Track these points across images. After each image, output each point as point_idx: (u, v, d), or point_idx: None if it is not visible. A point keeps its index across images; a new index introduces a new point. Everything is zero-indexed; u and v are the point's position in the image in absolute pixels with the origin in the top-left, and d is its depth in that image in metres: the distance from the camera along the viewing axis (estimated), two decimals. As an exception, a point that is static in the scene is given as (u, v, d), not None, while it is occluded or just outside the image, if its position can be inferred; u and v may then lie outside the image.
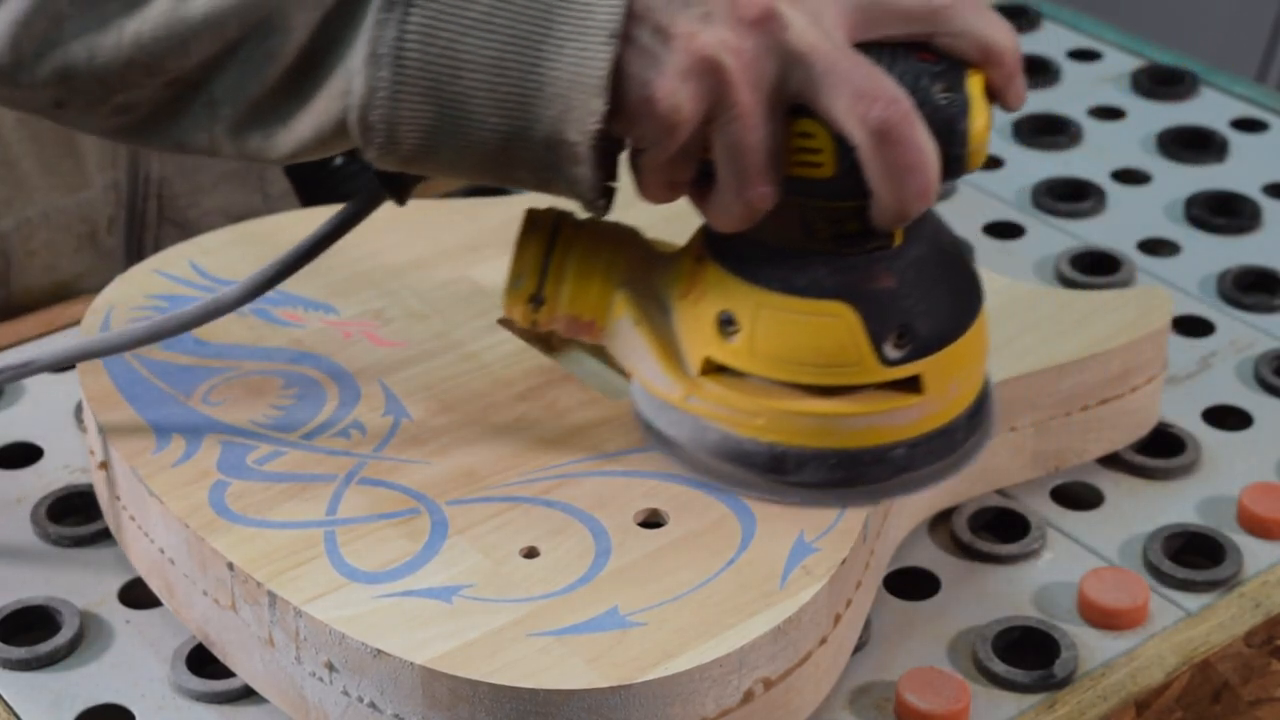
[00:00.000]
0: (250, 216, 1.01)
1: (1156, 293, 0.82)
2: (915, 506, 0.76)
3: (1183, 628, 0.73)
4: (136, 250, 1.02)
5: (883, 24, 0.65)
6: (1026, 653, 0.72)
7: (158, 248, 1.01)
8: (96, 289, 0.82)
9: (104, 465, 0.75)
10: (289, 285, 0.81)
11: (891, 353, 0.67)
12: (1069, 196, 1.02)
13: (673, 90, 0.63)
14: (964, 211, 1.00)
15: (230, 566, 0.67)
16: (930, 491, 0.77)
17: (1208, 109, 1.11)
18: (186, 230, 1.02)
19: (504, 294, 0.72)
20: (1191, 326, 0.91)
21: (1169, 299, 0.82)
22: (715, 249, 0.69)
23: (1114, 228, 0.99)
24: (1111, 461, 0.82)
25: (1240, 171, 1.05)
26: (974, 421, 0.71)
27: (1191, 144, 1.07)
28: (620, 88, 0.63)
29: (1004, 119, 1.09)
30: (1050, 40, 1.19)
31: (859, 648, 0.71)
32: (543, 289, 0.71)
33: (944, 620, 0.74)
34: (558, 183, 0.65)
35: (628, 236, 0.73)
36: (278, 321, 0.80)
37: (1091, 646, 0.72)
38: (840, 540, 0.68)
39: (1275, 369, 0.88)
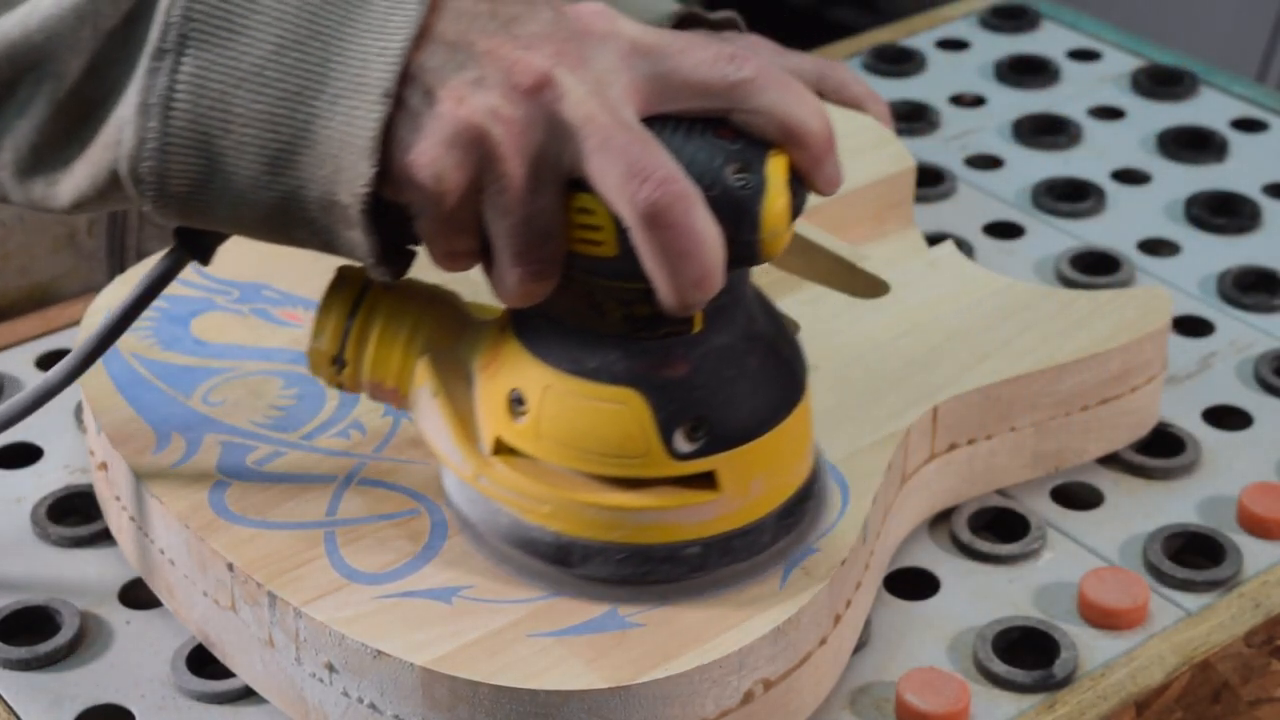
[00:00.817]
0: None
1: (1156, 293, 0.82)
2: (915, 507, 0.76)
3: (1183, 628, 0.73)
4: (119, 252, 1.02)
5: (677, 97, 0.61)
6: (1026, 653, 0.72)
7: (141, 250, 1.01)
8: (76, 291, 0.82)
9: (104, 465, 0.75)
10: (289, 285, 0.81)
11: (682, 446, 0.63)
12: (1069, 196, 1.02)
13: (435, 158, 0.60)
14: (964, 211, 1.00)
15: (230, 567, 0.67)
16: (929, 493, 0.77)
17: (1208, 109, 1.11)
18: (169, 233, 1.01)
19: (307, 353, 0.68)
20: (1191, 326, 0.91)
21: (1169, 299, 0.82)
22: (516, 322, 0.65)
23: (1114, 228, 0.99)
24: (1111, 461, 0.82)
25: (1240, 171, 1.05)
26: (786, 523, 0.67)
27: (1191, 144, 1.07)
28: (387, 151, 0.60)
29: (1004, 119, 1.09)
30: (1050, 40, 1.19)
31: (859, 648, 0.71)
32: (344, 351, 0.67)
33: (944, 620, 0.74)
34: (337, 245, 0.62)
35: (440, 300, 0.68)
36: (278, 321, 0.80)
37: (1091, 646, 0.72)
38: (840, 541, 0.68)
39: (1275, 369, 0.88)
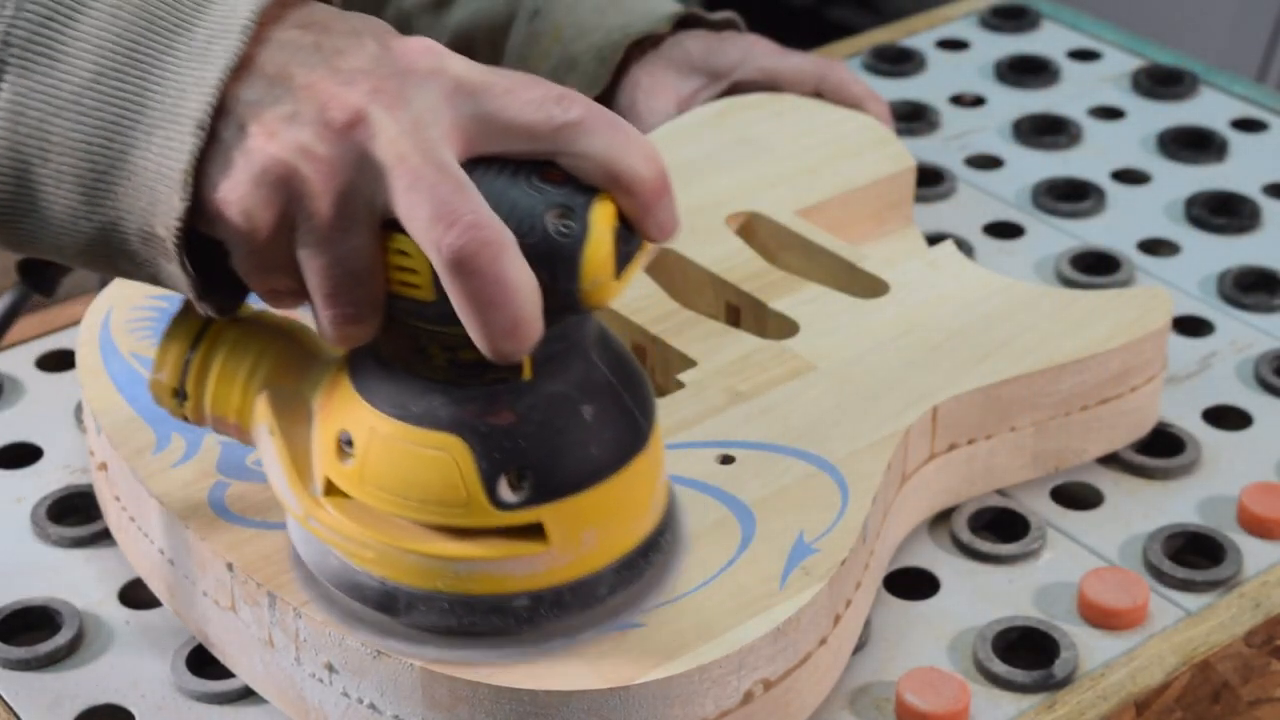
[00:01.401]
0: None
1: (1156, 293, 0.82)
2: (915, 507, 0.77)
3: (1183, 628, 0.73)
4: None
5: (500, 139, 0.59)
6: (1026, 653, 0.72)
7: None
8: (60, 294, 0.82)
9: (104, 465, 0.75)
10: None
11: (506, 495, 0.61)
12: (1069, 196, 1.02)
13: (243, 195, 0.58)
14: (964, 211, 1.00)
15: (230, 567, 0.67)
16: (929, 493, 0.77)
17: (1208, 109, 1.11)
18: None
19: (149, 385, 0.67)
20: (1191, 326, 0.91)
21: (1169, 299, 0.82)
22: (350, 363, 0.64)
23: (1114, 228, 0.99)
24: (1111, 461, 0.82)
25: (1240, 171, 1.05)
26: (626, 576, 0.65)
27: (1191, 144, 1.07)
28: (199, 185, 0.59)
29: (1004, 119, 1.09)
30: (1050, 40, 1.19)
31: (859, 648, 0.71)
32: (184, 385, 0.66)
33: (944, 620, 0.74)
34: (161, 279, 0.61)
35: (287, 335, 0.66)
36: (278, 322, 0.79)
37: (1091, 646, 0.72)
38: (840, 541, 0.68)
39: (1275, 369, 0.88)
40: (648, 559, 0.66)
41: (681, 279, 0.85)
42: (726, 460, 0.72)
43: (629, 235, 0.60)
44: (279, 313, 0.65)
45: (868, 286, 0.83)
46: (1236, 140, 1.07)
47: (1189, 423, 0.84)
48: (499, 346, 0.58)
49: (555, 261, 0.58)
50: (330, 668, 0.65)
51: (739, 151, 0.92)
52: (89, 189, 0.60)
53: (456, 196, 0.57)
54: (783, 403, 0.75)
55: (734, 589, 0.66)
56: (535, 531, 0.63)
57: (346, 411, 0.63)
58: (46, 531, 0.77)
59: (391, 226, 0.59)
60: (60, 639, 0.72)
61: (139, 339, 0.78)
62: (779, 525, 0.69)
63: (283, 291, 0.61)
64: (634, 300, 0.81)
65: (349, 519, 0.64)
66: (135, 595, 0.74)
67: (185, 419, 0.67)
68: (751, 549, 0.68)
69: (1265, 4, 2.00)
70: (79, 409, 0.84)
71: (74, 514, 0.79)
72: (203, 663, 0.71)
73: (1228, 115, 1.10)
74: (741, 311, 0.83)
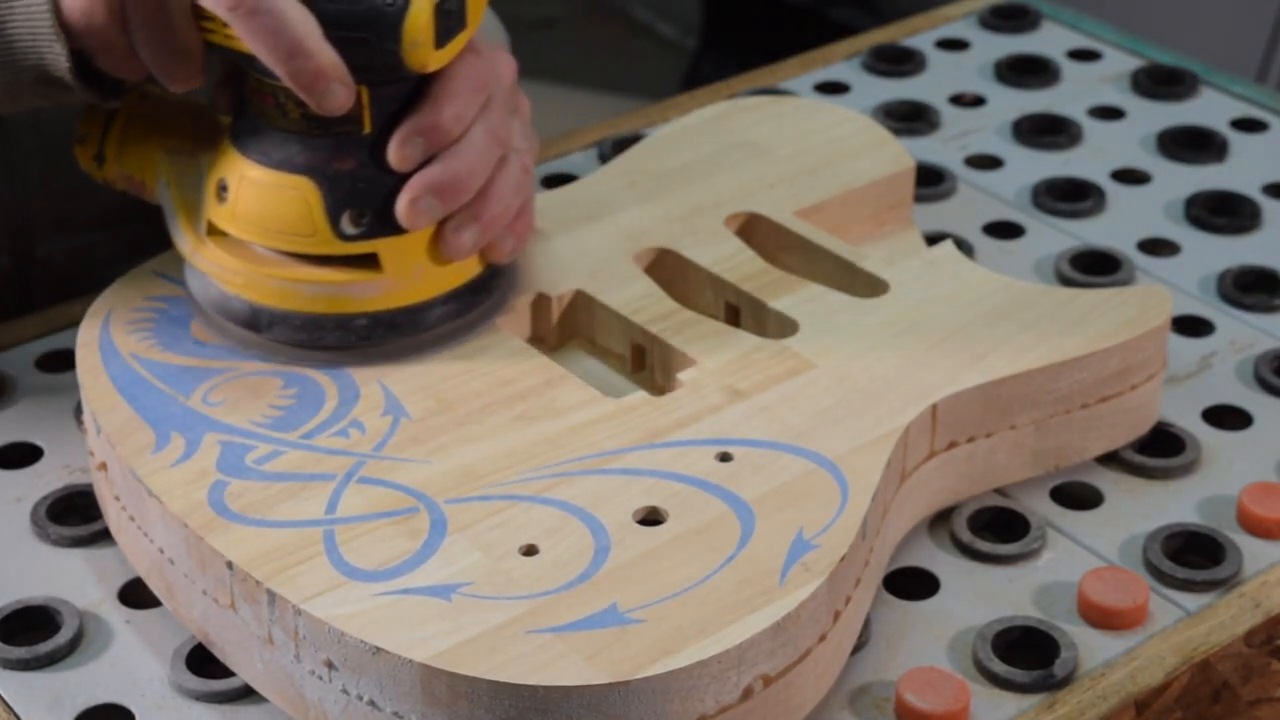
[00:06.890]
0: None
1: (1155, 291, 0.82)
2: (915, 505, 0.77)
3: (1182, 628, 0.73)
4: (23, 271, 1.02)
5: None
6: (1026, 653, 0.72)
7: (48, 267, 1.00)
8: None
9: (104, 465, 0.75)
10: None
11: (348, 229, 0.75)
12: (1069, 196, 1.02)
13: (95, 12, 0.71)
14: (964, 211, 1.00)
15: (229, 565, 0.67)
16: (929, 491, 0.77)
17: (1208, 109, 1.11)
18: (79, 250, 1.00)
19: (75, 149, 0.81)
20: (1191, 326, 0.91)
21: (1168, 297, 0.82)
22: (233, 127, 0.78)
23: (1114, 228, 0.99)
24: (1111, 461, 0.82)
25: (1240, 171, 1.05)
26: (454, 308, 0.78)
27: (1191, 144, 1.06)
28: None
29: (1004, 119, 1.09)
30: (1050, 40, 1.19)
31: (859, 647, 0.71)
32: (103, 149, 0.80)
33: (944, 620, 0.74)
34: (66, 100, 0.76)
35: (190, 111, 0.81)
36: (277, 322, 0.80)
37: (1091, 646, 0.72)
38: (839, 537, 0.68)
39: (1275, 369, 0.88)
40: (477, 298, 0.79)
41: (681, 279, 0.85)
42: (725, 458, 0.72)
43: (452, 11, 0.72)
44: (180, 94, 0.79)
45: (867, 286, 0.83)
46: (1236, 140, 1.07)
47: (1189, 422, 0.84)
48: (293, 68, 0.70)
49: (379, 24, 0.71)
50: (330, 665, 0.65)
51: (739, 153, 0.92)
52: None
53: None
54: (782, 401, 0.75)
55: (734, 584, 0.66)
56: (372, 261, 0.76)
57: (225, 163, 0.77)
58: (46, 531, 0.77)
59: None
60: (60, 639, 0.72)
61: (139, 339, 0.78)
62: (778, 522, 0.69)
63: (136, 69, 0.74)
64: (634, 300, 0.81)
65: (224, 252, 0.77)
66: (135, 595, 0.75)
67: (103, 179, 0.81)
68: (751, 545, 0.68)
69: (1265, 4, 2.00)
70: (79, 409, 0.84)
71: (74, 514, 0.79)
72: (202, 662, 0.71)
73: (1228, 115, 1.10)
74: (741, 311, 0.83)
